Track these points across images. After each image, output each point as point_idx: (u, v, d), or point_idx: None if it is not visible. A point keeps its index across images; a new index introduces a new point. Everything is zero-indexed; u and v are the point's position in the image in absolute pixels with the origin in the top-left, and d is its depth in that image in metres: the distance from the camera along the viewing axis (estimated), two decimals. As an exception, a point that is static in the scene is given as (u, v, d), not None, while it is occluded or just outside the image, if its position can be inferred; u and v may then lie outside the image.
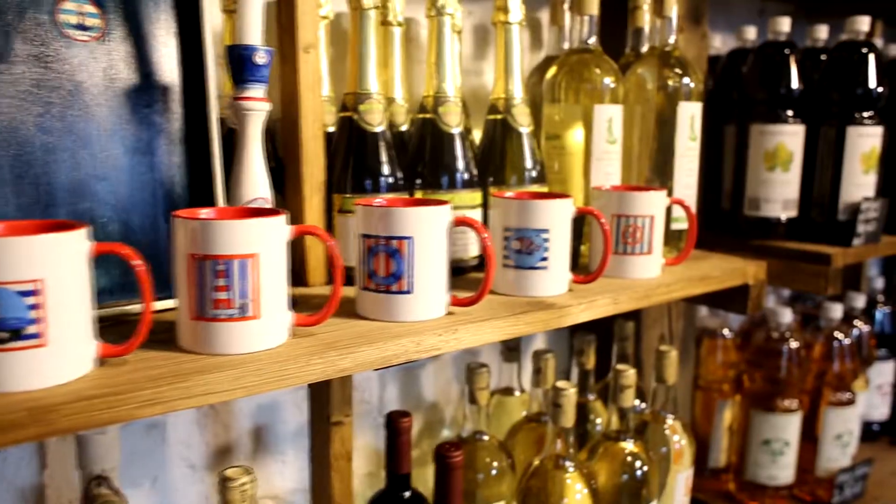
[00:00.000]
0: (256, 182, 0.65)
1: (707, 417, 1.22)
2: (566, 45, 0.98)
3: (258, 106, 0.64)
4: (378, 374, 1.01)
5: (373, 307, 0.64)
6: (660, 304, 1.07)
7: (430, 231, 0.62)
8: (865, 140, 1.07)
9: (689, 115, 0.89)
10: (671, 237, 0.92)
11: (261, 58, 0.64)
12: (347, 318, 0.64)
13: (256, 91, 0.64)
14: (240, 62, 0.63)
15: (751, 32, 1.19)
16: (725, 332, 1.22)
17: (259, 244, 0.53)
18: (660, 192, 0.81)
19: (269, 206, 0.65)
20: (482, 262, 0.77)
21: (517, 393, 1.01)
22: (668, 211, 0.89)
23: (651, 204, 0.80)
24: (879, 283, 1.47)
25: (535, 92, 0.95)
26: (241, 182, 0.65)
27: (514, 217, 0.72)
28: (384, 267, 0.62)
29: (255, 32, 0.64)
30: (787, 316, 1.17)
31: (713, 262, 0.93)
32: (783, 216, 1.10)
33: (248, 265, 0.53)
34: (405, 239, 0.62)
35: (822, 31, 1.16)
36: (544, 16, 1.09)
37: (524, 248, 0.71)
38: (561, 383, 0.80)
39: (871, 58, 1.06)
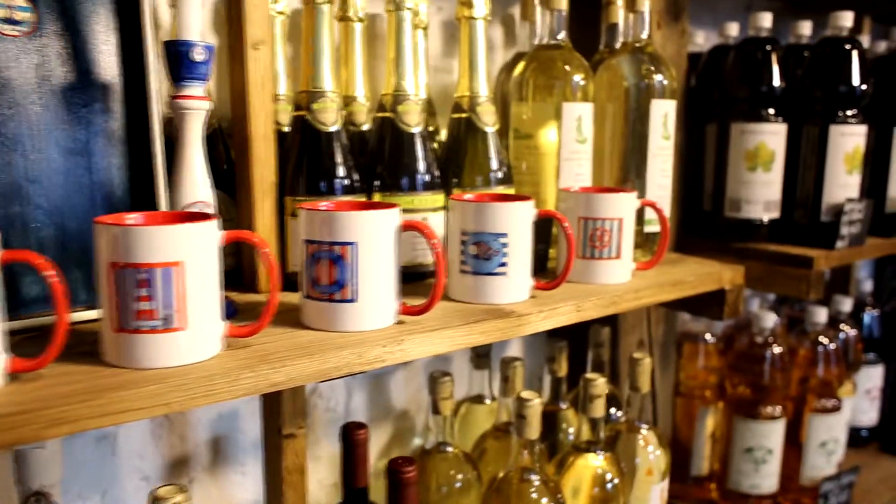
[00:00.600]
0: (196, 185, 0.62)
1: (689, 424, 1.19)
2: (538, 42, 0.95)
3: (197, 105, 0.61)
4: (344, 382, 0.98)
5: (316, 316, 0.60)
6: (637, 309, 1.03)
7: (376, 236, 0.59)
8: (849, 139, 1.04)
9: (663, 114, 0.86)
10: (645, 240, 0.89)
11: (199, 54, 0.60)
12: (291, 327, 0.61)
13: (195, 89, 0.61)
14: (177, 59, 0.60)
15: (733, 29, 1.16)
16: (708, 336, 1.18)
17: (184, 251, 0.50)
18: (629, 194, 0.78)
19: (210, 209, 0.62)
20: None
21: (487, 401, 0.97)
22: (640, 213, 0.86)
23: (619, 206, 0.77)
24: (868, 286, 1.43)
25: (504, 89, 0.92)
26: (181, 185, 0.62)
27: (471, 221, 0.68)
28: (327, 274, 0.59)
29: (193, 27, 0.61)
30: (769, 320, 1.14)
31: (689, 266, 0.90)
32: (765, 218, 1.07)
33: (172, 274, 0.50)
34: (348, 244, 0.58)
35: (806, 28, 1.13)
36: (518, 12, 1.06)
37: (482, 254, 0.68)
38: (525, 394, 0.76)
39: (855, 54, 1.02)
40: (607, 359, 1.02)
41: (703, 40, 1.24)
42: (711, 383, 1.18)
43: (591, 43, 0.99)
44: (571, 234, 0.70)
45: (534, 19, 0.95)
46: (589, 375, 0.82)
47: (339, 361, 0.56)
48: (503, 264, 0.68)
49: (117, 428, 0.81)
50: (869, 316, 1.41)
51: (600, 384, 0.82)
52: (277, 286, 0.55)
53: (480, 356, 0.96)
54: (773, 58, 1.04)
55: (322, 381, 0.56)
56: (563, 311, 0.70)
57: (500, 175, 0.82)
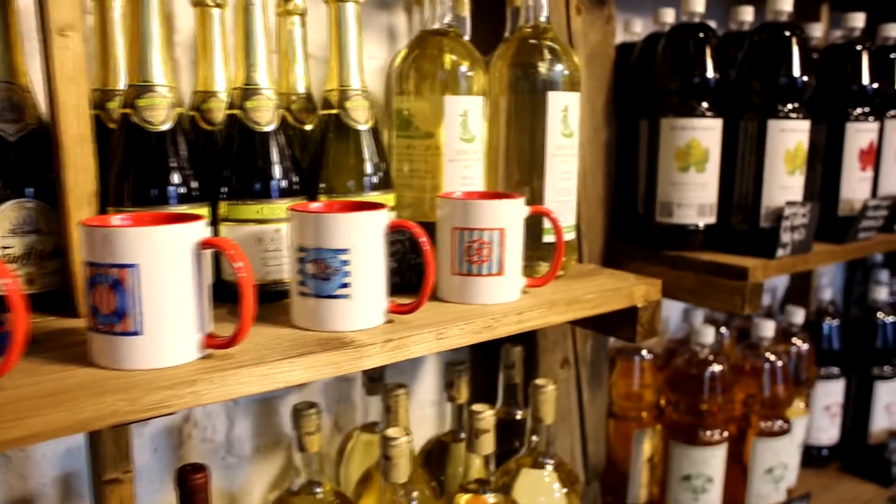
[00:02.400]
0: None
1: (624, 448, 1.09)
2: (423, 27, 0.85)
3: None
4: (224, 407, 0.88)
5: (99, 352, 0.51)
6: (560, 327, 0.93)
7: (163, 256, 0.49)
8: (789, 136, 0.94)
9: (562, 108, 0.75)
10: (548, 252, 0.79)
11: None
12: (73, 364, 0.51)
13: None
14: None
15: (669, 15, 1.06)
16: (644, 352, 1.08)
17: None
18: (512, 201, 0.68)
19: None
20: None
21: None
22: (538, 222, 0.76)
23: (500, 214, 0.67)
24: (828, 294, 1.33)
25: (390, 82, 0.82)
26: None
27: (309, 234, 0.59)
28: (106, 302, 0.49)
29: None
30: (709, 336, 1.04)
31: (599, 280, 0.80)
32: (700, 223, 0.97)
33: None
34: (127, 267, 0.49)
35: (747, 13, 1.02)
36: (424, -3, 0.95)
37: (319, 273, 0.58)
38: (392, 431, 0.67)
39: (795, 42, 0.92)
40: (520, 381, 0.92)
41: (641, 29, 1.14)
42: (648, 404, 1.08)
43: (499, 29, 0.89)
44: (428, 249, 0.60)
45: (423, 3, 0.85)
46: (475, 407, 0.73)
47: (103, 410, 0.46)
48: (345, 285, 0.58)
49: (-60, 468, 0.72)
50: (828, 326, 1.30)
51: (487, 417, 0.72)
52: (22, 318, 0.45)
53: (373, 380, 0.86)
54: (707, 46, 0.94)
55: (125, 424, 0.47)
56: (418, 339, 0.60)
57: (375, 180, 0.72)
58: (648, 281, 0.79)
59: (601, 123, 0.99)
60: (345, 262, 0.58)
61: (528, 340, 0.95)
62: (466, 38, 0.92)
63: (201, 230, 0.52)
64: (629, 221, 1.08)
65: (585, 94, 0.96)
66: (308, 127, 0.82)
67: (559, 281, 0.78)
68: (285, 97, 0.82)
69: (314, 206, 0.63)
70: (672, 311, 1.33)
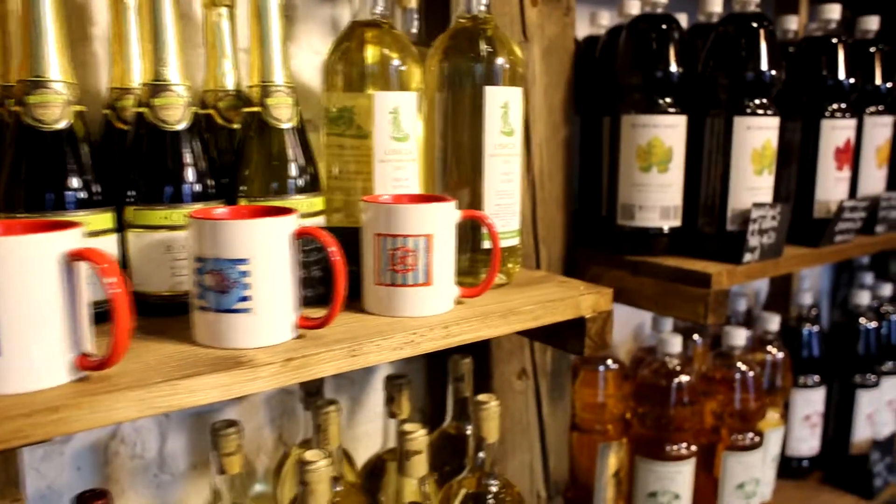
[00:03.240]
0: None
1: (589, 463, 1.03)
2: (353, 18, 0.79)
3: None
4: (156, 422, 0.84)
5: (-46, 376, 0.46)
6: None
7: (22, 269, 0.44)
8: (756, 133, 0.88)
9: (501, 104, 0.70)
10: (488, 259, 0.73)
11: None
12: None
13: None
14: None
15: (633, 7, 1.01)
16: (609, 361, 1.03)
17: None
18: (440, 205, 0.63)
19: None
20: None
21: (321, 447, 0.83)
22: (474, 228, 0.71)
23: (426, 220, 0.62)
24: (808, 299, 1.27)
25: (324, 78, 0.77)
26: None
27: (207, 243, 0.54)
28: (-43, 321, 0.45)
29: None
30: (676, 345, 0.98)
31: (545, 289, 0.75)
32: (664, 227, 0.92)
33: None
34: (-22, 282, 0.44)
35: (716, 4, 0.97)
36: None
37: (217, 285, 0.53)
38: (310, 454, 0.62)
39: (762, 34, 0.87)
40: (471, 394, 0.87)
41: (609, 21, 1.09)
42: (614, 416, 1.03)
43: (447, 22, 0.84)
44: (338, 259, 0.55)
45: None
46: (406, 427, 0.68)
47: (-57, 443, 0.41)
48: (245, 298, 0.53)
49: None
50: (808, 332, 1.24)
51: (419, 438, 0.67)
52: None
53: (310, 395, 0.81)
54: (669, 38, 0.89)
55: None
56: (326, 356, 0.54)
57: (300, 182, 0.67)
58: (598, 290, 0.74)
59: (560, 121, 0.94)
60: (244, 274, 0.53)
61: (481, 351, 0.90)
62: (414, 30, 0.88)
63: (70, 240, 0.47)
64: (594, 224, 1.03)
65: (542, 90, 0.91)
66: (237, 126, 0.78)
67: (501, 290, 0.73)
68: (213, 94, 0.77)
69: (217, 212, 0.58)
70: (646, 317, 1.27)
